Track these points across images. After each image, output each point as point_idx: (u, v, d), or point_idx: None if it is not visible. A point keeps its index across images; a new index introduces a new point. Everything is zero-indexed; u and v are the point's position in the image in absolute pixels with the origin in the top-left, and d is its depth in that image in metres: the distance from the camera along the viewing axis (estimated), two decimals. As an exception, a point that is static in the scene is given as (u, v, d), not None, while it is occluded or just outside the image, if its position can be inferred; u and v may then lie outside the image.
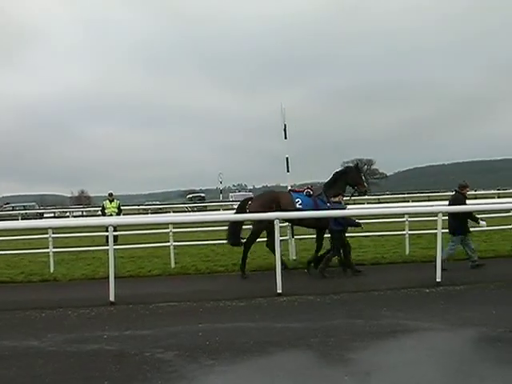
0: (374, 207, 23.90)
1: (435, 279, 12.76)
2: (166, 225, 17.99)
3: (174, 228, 18.12)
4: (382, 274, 14.46)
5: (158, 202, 78.67)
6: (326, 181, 16.09)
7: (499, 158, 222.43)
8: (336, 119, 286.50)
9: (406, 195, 64.66)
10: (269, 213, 13.73)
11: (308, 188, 15.86)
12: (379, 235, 19.86)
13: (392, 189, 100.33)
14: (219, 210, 45.39)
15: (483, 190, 54.53)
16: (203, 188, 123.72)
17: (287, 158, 18.40)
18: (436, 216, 13.51)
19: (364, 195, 17.35)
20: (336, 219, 14.50)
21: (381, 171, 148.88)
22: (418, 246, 18.31)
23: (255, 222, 15.35)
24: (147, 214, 49.81)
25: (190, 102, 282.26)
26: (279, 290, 12.13)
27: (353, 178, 16.01)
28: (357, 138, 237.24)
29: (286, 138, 18.23)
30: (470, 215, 15.13)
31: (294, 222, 15.92)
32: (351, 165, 17.45)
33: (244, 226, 15.99)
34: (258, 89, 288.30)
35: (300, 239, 18.20)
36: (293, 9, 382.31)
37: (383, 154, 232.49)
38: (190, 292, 12.99)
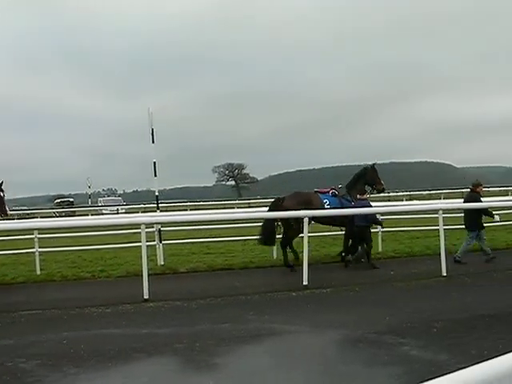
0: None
1: (302, 283, 12.94)
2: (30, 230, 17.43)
3: (39, 234, 17.60)
4: (249, 278, 14.58)
5: (25, 207, 76.11)
6: (348, 182, 17.22)
7: (368, 163, 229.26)
8: (209, 123, 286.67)
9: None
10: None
11: (332, 189, 16.86)
12: (246, 239, 20.06)
13: (263, 193, 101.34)
14: (88, 215, 44.30)
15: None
16: (72, 193, 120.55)
17: (154, 163, 18.25)
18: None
19: (382, 192, 18.32)
20: (364, 215, 15.62)
21: (252, 175, 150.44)
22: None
23: (293, 221, 15.60)
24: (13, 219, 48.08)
25: (61, 104, 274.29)
26: (146, 296, 12.00)
27: (371, 178, 17.26)
28: (229, 143, 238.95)
29: (153, 142, 18.04)
30: (485, 211, 16.08)
31: (322, 220, 16.59)
32: (368, 165, 17.92)
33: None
34: (131, 91, 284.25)
35: (168, 244, 18.16)
36: (175, 8, 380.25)
37: (254, 159, 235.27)
38: (56, 299, 12.63)
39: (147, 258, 12.79)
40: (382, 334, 8.67)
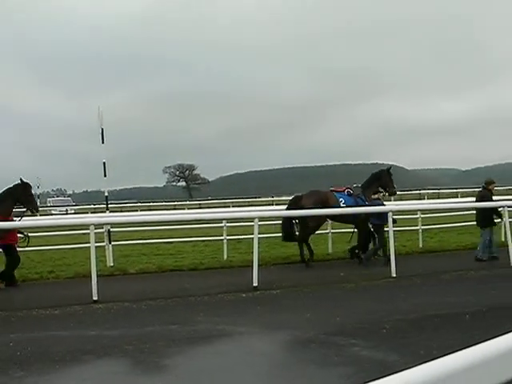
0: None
1: (252, 284, 12.94)
2: None
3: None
4: (199, 280, 14.55)
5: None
6: (363, 182, 18.00)
7: (319, 165, 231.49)
8: (161, 123, 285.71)
9: (227, 200, 65.69)
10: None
11: (348, 188, 17.60)
12: (200, 240, 20.05)
13: (214, 194, 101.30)
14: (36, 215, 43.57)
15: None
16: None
17: (104, 163, 18.08)
18: (253, 221, 13.83)
19: (394, 195, 19.12)
20: (378, 214, 16.21)
21: (203, 176, 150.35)
22: (236, 252, 18.65)
23: (313, 218, 16.48)
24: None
25: (9, 103, 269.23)
26: (95, 297, 11.85)
27: (385, 181, 17.94)
28: (180, 143, 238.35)
29: (103, 142, 17.87)
30: (495, 210, 16.51)
31: (336, 218, 17.81)
32: (384, 168, 18.74)
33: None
34: (81, 90, 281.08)
35: (117, 245, 18.02)
36: (125, 8, 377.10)
37: (206, 160, 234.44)
38: (1, 301, 12.46)
39: (96, 258, 12.67)
40: (332, 335, 8.70)
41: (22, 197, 14.75)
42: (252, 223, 13.97)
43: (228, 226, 19.30)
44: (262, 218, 14.99)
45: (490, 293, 11.67)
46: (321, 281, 13.84)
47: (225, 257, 17.72)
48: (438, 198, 51.07)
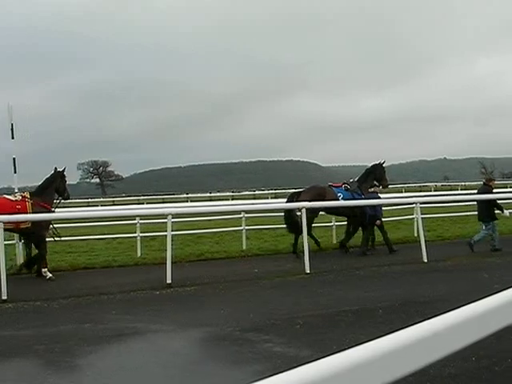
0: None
1: (166, 281, 12.92)
2: None
3: None
4: (113, 277, 14.41)
5: None
6: (359, 177, 18.99)
7: (235, 161, 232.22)
8: (74, 119, 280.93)
9: (141, 198, 65.19)
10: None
11: (345, 183, 18.56)
12: (113, 238, 19.84)
13: (128, 191, 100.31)
14: None
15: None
16: None
17: (14, 159, 17.65)
18: (165, 218, 13.79)
19: (386, 188, 20.27)
20: (373, 207, 17.41)
21: (117, 173, 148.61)
22: (150, 249, 18.56)
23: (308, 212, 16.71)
24: None
25: None
26: (4, 297, 11.61)
27: (379, 175, 18.96)
28: (94, 139, 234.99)
29: (13, 137, 17.43)
30: (495, 204, 17.28)
31: (332, 211, 18.79)
32: (376, 163, 19.35)
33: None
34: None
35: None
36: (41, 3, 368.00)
37: (120, 156, 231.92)
38: None
39: (5, 257, 12.39)
40: (245, 332, 8.75)
41: (61, 185, 15.63)
42: (165, 220, 13.95)
43: (141, 223, 19.19)
44: (175, 215, 14.97)
45: (403, 288, 11.96)
46: (235, 277, 13.90)
47: (138, 254, 17.59)
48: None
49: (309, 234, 16.85)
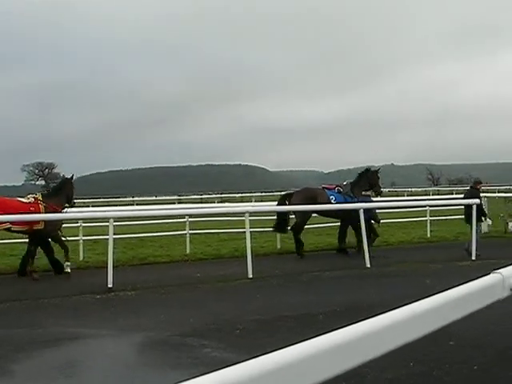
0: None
1: (107, 285, 12.79)
2: None
3: None
4: (52, 281, 14.22)
5: None
6: (353, 180, 19.08)
7: (183, 165, 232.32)
8: (20, 119, 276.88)
9: (86, 200, 64.48)
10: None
11: (338, 186, 18.75)
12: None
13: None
14: None
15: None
16: None
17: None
18: (108, 222, 13.63)
19: (380, 194, 20.22)
20: (367, 210, 17.14)
21: (62, 175, 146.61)
22: (93, 252, 18.35)
23: (300, 214, 18.00)
24: None
25: None
26: None
27: (373, 180, 19.05)
28: (40, 141, 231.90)
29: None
30: (481, 209, 17.65)
31: (324, 213, 19.08)
32: (371, 168, 19.73)
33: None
34: None
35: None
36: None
37: (67, 158, 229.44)
38: None
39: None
40: (185, 337, 8.71)
41: (70, 192, 16.01)
42: (107, 223, 13.80)
43: (84, 226, 18.95)
44: (117, 219, 14.82)
45: (345, 293, 12.02)
46: (177, 282, 13.81)
47: (80, 257, 17.36)
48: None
49: (297, 236, 17.65)
